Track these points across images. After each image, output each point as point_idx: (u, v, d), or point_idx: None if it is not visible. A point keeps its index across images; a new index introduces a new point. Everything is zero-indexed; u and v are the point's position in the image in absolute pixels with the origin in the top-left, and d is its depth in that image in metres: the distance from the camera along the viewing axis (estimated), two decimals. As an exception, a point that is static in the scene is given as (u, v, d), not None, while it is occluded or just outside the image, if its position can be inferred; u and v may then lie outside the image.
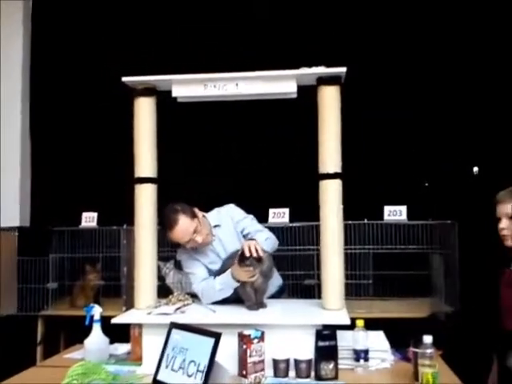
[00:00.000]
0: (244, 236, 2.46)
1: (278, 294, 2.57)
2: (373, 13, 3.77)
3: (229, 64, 2.34)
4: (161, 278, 2.57)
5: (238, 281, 2.16)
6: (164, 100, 2.28)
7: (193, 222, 2.30)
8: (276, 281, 2.55)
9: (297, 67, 2.15)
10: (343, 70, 2.10)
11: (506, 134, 3.48)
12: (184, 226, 2.28)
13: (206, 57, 3.68)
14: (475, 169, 3.76)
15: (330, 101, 2.12)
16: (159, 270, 2.72)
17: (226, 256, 2.39)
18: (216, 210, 2.53)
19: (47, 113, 4.13)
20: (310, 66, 2.14)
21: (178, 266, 2.81)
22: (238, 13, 3.82)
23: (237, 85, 2.18)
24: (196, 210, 2.38)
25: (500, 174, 3.12)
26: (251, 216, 2.53)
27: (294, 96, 2.21)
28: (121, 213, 2.70)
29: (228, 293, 2.24)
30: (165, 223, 2.29)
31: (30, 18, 4.22)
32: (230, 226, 2.47)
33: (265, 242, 2.30)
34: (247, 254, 2.07)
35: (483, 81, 3.58)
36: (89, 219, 3.50)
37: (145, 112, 2.25)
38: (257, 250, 2.08)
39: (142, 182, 2.24)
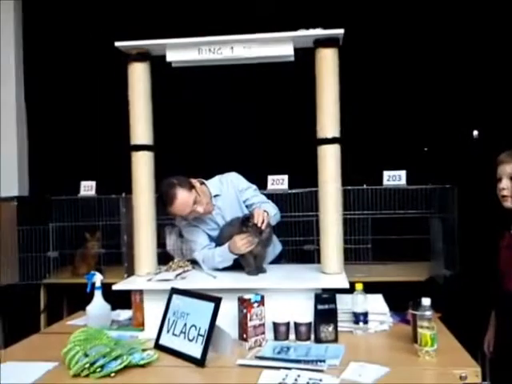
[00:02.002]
0: (247, 206, 2.45)
1: (277, 260, 2.58)
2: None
3: (224, 27, 2.28)
4: (161, 245, 2.57)
5: (237, 254, 2.17)
6: (159, 67, 2.24)
7: (191, 194, 2.29)
8: (276, 249, 2.56)
9: (294, 29, 2.10)
10: (341, 31, 2.05)
11: (505, 97, 3.44)
12: (183, 198, 2.26)
13: (200, 20, 3.60)
14: (475, 132, 3.73)
15: (327, 63, 2.08)
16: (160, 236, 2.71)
17: (225, 223, 2.39)
18: (217, 179, 2.50)
19: (43, 82, 4.07)
20: (307, 28, 2.09)
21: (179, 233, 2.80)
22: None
23: (232, 48, 2.13)
24: (193, 181, 2.36)
25: (499, 137, 3.10)
26: (254, 186, 2.52)
27: (292, 59, 2.17)
28: (120, 181, 2.69)
29: (228, 263, 2.25)
30: (164, 199, 2.27)
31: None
32: (231, 195, 2.45)
33: (273, 217, 2.31)
34: (255, 221, 2.08)
35: (480, 45, 3.52)
36: (87, 188, 3.50)
37: (139, 77, 2.21)
38: (263, 222, 2.08)
39: (138, 149, 2.21)
